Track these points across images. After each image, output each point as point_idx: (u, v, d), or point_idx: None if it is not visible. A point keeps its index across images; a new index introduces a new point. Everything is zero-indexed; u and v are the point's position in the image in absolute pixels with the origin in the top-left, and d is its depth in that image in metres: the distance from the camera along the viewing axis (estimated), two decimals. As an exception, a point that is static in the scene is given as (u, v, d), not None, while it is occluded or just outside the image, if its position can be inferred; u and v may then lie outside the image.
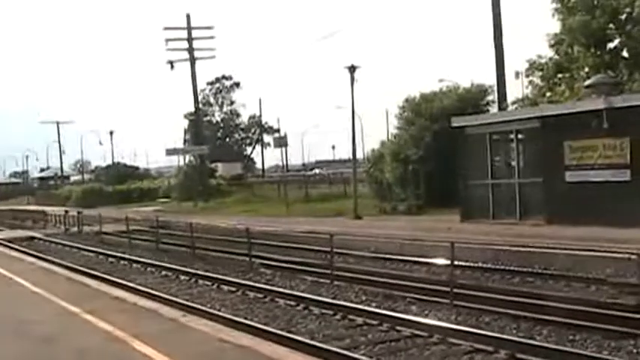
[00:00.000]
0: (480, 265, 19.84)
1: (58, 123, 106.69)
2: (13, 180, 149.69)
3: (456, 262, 16.76)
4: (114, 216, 43.59)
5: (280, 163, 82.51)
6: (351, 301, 16.01)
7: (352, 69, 38.59)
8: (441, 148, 34.06)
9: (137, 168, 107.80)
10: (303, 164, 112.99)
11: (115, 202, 69.49)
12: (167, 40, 65.61)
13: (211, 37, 66.51)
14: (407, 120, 40.54)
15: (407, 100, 41.29)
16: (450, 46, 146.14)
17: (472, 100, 38.63)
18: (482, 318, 14.07)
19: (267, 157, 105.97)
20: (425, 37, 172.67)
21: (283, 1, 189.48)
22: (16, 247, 32.79)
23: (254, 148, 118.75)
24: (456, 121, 31.04)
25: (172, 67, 66.08)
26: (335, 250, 20.80)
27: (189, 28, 65.54)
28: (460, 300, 15.19)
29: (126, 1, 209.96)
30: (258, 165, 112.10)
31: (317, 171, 74.76)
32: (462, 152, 30.67)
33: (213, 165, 78.67)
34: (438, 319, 13.99)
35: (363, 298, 16.77)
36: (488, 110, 38.22)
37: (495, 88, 39.38)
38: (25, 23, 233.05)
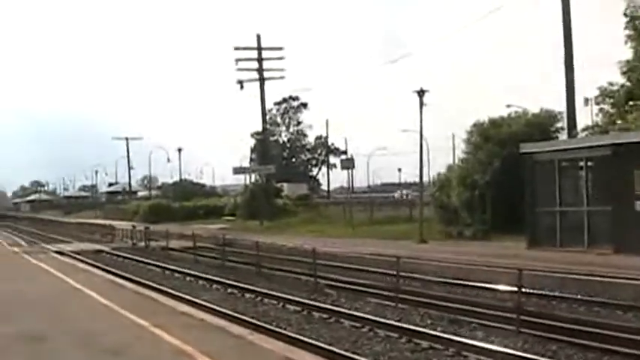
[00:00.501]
0: (547, 292, 19.62)
1: (127, 139, 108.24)
2: (82, 194, 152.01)
3: (522, 289, 16.63)
4: (180, 232, 44.01)
5: (345, 185, 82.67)
6: (417, 325, 15.93)
7: (421, 93, 38.55)
8: (509, 174, 33.77)
9: (203, 185, 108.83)
10: (369, 186, 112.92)
11: (180, 219, 70.12)
12: (237, 60, 66.10)
13: (281, 58, 66.91)
14: (475, 145, 40.30)
15: (475, 125, 41.07)
16: (519, 71, 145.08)
17: (541, 126, 38.26)
18: (549, 346, 13.92)
19: (332, 179, 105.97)
20: (493, 62, 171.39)
21: (354, 25, 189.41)
22: (84, 259, 33.30)
23: (320, 169, 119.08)
24: (525, 147, 30.81)
25: (242, 86, 66.51)
26: (400, 273, 20.77)
27: (259, 49, 65.98)
28: (526, 327, 15.06)
29: (197, 20, 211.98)
30: (324, 186, 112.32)
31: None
32: (530, 178, 30.43)
33: (279, 185, 79.05)
34: (504, 345, 13.85)
35: (429, 321, 16.69)
36: (557, 137, 37.81)
37: (565, 114, 38.88)
38: (100, 41, 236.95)
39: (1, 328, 14.02)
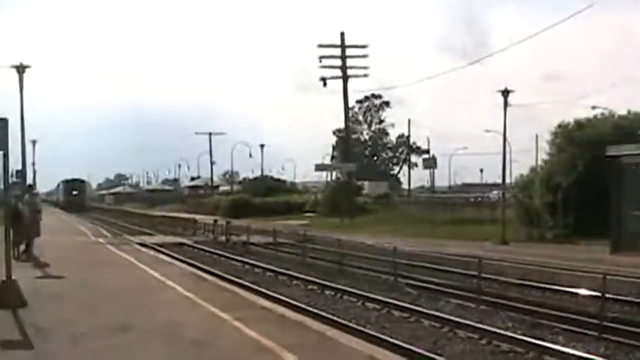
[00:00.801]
0: (632, 299, 19.28)
1: (210, 134, 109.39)
2: (165, 187, 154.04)
3: (606, 295, 16.42)
4: (260, 227, 44.36)
5: (426, 184, 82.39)
6: (497, 327, 15.84)
7: (506, 93, 38.20)
8: (593, 177, 33.31)
9: (285, 181, 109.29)
10: (450, 186, 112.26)
11: (261, 214, 70.58)
12: (321, 58, 66.29)
13: (365, 56, 66.88)
14: (559, 146, 39.82)
15: (559, 127, 40.56)
16: (604, 71, 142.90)
17: (628, 129, 37.59)
18: (633, 354, 13.74)
19: (413, 178, 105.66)
20: (577, 63, 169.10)
21: (436, 25, 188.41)
22: (167, 251, 33.77)
23: (401, 167, 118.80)
24: (612, 150, 30.32)
25: (325, 84, 66.67)
26: (481, 274, 20.67)
27: (343, 46, 66.04)
28: (609, 333, 14.88)
29: (282, 17, 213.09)
30: (404, 185, 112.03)
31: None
32: (616, 182, 29.93)
33: (359, 183, 79.07)
34: (585, 351, 13.70)
35: (509, 324, 16.59)
36: (645, 140, 37.14)
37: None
38: (186, 37, 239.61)
39: (89, 317, 14.40)
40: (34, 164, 69.72)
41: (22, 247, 27.08)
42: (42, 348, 11.80)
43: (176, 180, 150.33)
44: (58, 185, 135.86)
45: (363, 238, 37.51)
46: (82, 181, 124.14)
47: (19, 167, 39.31)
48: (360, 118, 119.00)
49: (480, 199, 70.30)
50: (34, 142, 69.05)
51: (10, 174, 18.45)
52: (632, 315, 17.73)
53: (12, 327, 13.49)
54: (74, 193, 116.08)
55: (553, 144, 40.73)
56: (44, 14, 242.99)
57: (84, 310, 15.26)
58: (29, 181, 47.40)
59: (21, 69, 34.51)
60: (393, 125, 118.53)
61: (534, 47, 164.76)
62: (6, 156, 15.62)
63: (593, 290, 18.55)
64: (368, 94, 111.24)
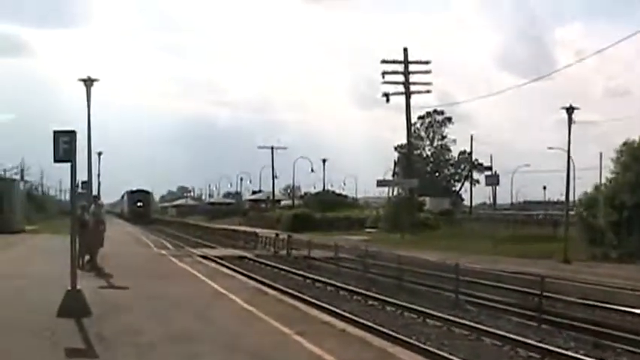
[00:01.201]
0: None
1: (272, 148, 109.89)
2: (227, 200, 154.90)
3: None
4: (321, 242, 44.40)
5: (488, 201, 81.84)
6: (559, 347, 15.69)
7: (570, 110, 37.84)
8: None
9: (346, 196, 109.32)
10: (512, 203, 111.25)
11: (322, 229, 70.67)
12: (384, 73, 66.38)
13: (427, 72, 66.83)
14: (624, 165, 39.35)
15: (625, 144, 40.11)
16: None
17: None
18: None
19: (475, 194, 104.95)
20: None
21: (500, 41, 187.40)
22: (228, 264, 33.99)
23: (462, 184, 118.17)
24: (678, 169, 29.92)
25: (388, 99, 66.76)
26: (543, 293, 20.49)
27: (405, 62, 66.08)
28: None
29: (346, 32, 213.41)
30: (466, 201, 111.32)
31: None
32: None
33: (421, 199, 78.81)
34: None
35: (572, 344, 16.43)
36: None
37: None
38: (249, 53, 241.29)
39: (152, 327, 14.57)
40: (99, 175, 70.40)
41: (87, 258, 27.47)
42: (106, 357, 11.99)
43: (238, 193, 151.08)
44: (123, 196, 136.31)
45: (425, 255, 37.35)
46: (147, 192, 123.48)
47: (85, 178, 39.85)
48: (422, 133, 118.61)
49: (540, 216, 69.62)
50: (99, 154, 69.81)
51: (76, 185, 18.75)
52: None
53: (77, 336, 13.71)
54: (139, 204, 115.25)
55: (618, 162, 40.25)
56: (113, 27, 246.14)
57: (147, 321, 15.44)
58: (94, 192, 48.00)
59: (89, 82, 35.13)
60: (455, 141, 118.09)
61: (600, 64, 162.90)
62: (74, 167, 15.89)
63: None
64: (430, 110, 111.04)
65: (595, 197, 41.30)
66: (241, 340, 13.41)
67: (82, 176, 38.32)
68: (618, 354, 15.39)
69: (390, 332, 16.77)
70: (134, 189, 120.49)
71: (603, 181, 45.64)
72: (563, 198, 46.49)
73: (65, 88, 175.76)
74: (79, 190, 35.51)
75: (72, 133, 15.82)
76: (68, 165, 15.86)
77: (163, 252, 39.82)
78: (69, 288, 16.03)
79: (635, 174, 37.07)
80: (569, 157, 40.36)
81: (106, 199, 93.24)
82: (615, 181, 40.04)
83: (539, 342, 16.14)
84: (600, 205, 39.17)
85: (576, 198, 49.39)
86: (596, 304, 22.11)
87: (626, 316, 20.34)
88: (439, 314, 19.95)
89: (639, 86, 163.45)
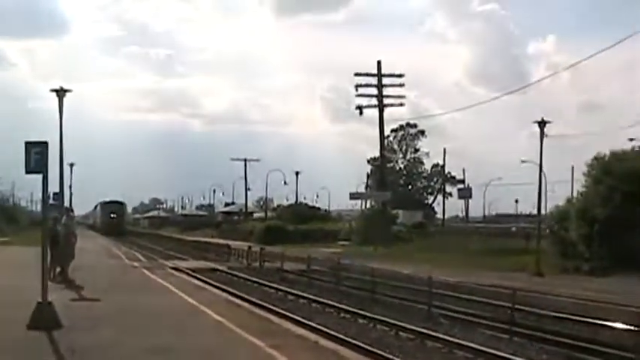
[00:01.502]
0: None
1: (246, 160, 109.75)
2: (199, 212, 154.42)
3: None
4: (294, 255, 44.31)
5: (460, 214, 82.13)
6: (532, 359, 15.72)
7: (542, 124, 38.07)
8: (631, 209, 33.11)
9: (319, 209, 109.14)
10: (484, 216, 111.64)
11: (295, 241, 70.51)
12: (357, 86, 66.56)
13: (401, 85, 67.04)
14: (595, 178, 39.62)
15: (596, 158, 40.40)
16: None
17: (665, 162, 37.37)
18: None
19: (447, 207, 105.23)
20: (617, 94, 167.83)
21: (471, 56, 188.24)
22: (201, 277, 33.86)
23: (435, 197, 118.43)
24: (649, 183, 30.14)
25: (361, 112, 66.91)
26: (515, 305, 20.55)
27: (379, 75, 66.25)
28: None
29: (319, 45, 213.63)
30: (439, 214, 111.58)
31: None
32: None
33: (394, 211, 78.90)
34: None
35: (544, 356, 16.48)
36: (682, 173, 36.82)
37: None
38: (221, 63, 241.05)
39: (124, 340, 14.46)
40: (70, 187, 70.02)
41: (58, 269, 27.27)
42: (77, 370, 11.89)
43: (210, 205, 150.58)
44: (96, 207, 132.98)
45: (397, 267, 37.38)
46: (121, 204, 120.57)
47: (57, 190, 39.62)
48: (396, 146, 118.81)
49: (514, 229, 69.87)
50: (71, 165, 69.48)
51: (48, 196, 18.62)
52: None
53: (47, 349, 13.59)
54: (112, 215, 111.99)
55: (589, 176, 40.52)
56: (87, 39, 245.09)
57: (119, 333, 15.32)
58: (66, 203, 47.73)
59: (61, 93, 34.94)
60: (428, 154, 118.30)
61: (573, 78, 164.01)
62: (45, 178, 15.78)
63: (630, 324, 18.38)
64: (403, 122, 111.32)
65: (567, 210, 41.54)
66: (216, 354, 13.38)
67: (53, 187, 38.16)
68: (590, 367, 15.44)
69: (363, 345, 16.73)
70: (107, 200, 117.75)
71: (575, 194, 45.99)
72: (535, 211, 46.71)
73: (38, 98, 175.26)
74: (51, 201, 35.27)
75: (44, 144, 15.71)
76: (40, 176, 15.75)
77: (135, 264, 39.62)
78: (40, 300, 15.90)
79: (607, 187, 37.30)
80: (541, 170, 40.65)
81: (78, 210, 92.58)
82: (587, 194, 40.29)
83: (512, 355, 16.17)
84: (572, 218, 39.38)
85: (548, 211, 49.68)
86: (568, 316, 22.18)
87: (598, 329, 20.42)
88: (412, 327, 19.95)
89: (612, 100, 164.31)
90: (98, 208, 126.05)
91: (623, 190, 35.81)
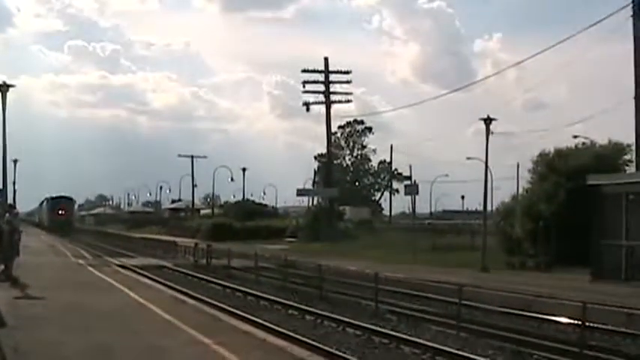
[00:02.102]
0: (611, 327, 19.32)
1: (192, 157, 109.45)
2: (146, 209, 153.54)
3: (587, 323, 16.47)
4: (241, 251, 44.24)
5: (407, 211, 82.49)
6: (478, 354, 15.82)
7: (488, 121, 38.34)
8: (575, 206, 33.49)
9: (266, 205, 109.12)
10: (431, 213, 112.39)
11: (242, 238, 70.40)
12: (304, 82, 66.60)
13: (348, 82, 67.24)
14: (540, 175, 40.06)
15: (540, 155, 40.86)
16: (585, 101, 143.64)
17: (608, 159, 37.84)
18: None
19: (394, 204, 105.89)
20: (559, 92, 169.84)
21: (421, 53, 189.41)
22: (147, 274, 33.69)
23: (382, 193, 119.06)
24: (592, 179, 30.52)
25: (308, 109, 67.14)
26: (462, 301, 20.67)
27: (326, 72, 66.38)
28: (590, 362, 14.92)
29: (266, 41, 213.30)
30: (386, 211, 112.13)
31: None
32: (596, 211, 30.11)
33: (341, 208, 79.10)
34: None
35: (490, 352, 16.59)
36: (625, 170, 37.33)
37: (633, 147, 38.14)
38: (166, 58, 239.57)
39: (69, 339, 14.29)
40: (14, 183, 69.21)
41: (1, 267, 26.93)
42: (21, 370, 11.75)
43: (157, 202, 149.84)
44: (42, 204, 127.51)
45: (344, 264, 37.49)
46: (70, 199, 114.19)
47: (0, 186, 39.07)
48: (343, 143, 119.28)
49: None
50: (15, 161, 68.64)
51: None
52: (613, 343, 17.81)
53: (-9, 348, 13.40)
54: (60, 212, 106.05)
55: (534, 172, 40.97)
56: (31, 33, 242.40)
57: (64, 332, 15.14)
58: (10, 200, 47.09)
59: (4, 88, 34.43)
60: (375, 151, 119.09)
61: (519, 76, 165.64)
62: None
63: (574, 318, 18.61)
64: (350, 119, 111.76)
65: (512, 207, 41.94)
66: (162, 353, 13.25)
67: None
68: (535, 361, 15.58)
69: (311, 341, 16.71)
70: (55, 195, 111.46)
71: (520, 191, 46.46)
72: (481, 207, 47.09)
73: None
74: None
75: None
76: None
77: (81, 261, 39.30)
78: (-18, 299, 15.70)
79: (551, 184, 37.73)
80: (486, 167, 40.95)
81: (22, 207, 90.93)
82: (532, 191, 40.73)
83: (459, 350, 16.26)
84: (517, 214, 39.76)
85: (494, 208, 50.11)
86: (514, 311, 22.40)
87: (543, 324, 20.66)
88: (359, 323, 19.95)
89: (556, 98, 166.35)
90: (44, 204, 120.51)
91: (567, 187, 36.23)
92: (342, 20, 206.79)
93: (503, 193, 66.80)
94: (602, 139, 41.35)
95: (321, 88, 66.38)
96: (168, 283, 29.82)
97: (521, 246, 38.73)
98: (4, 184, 39.26)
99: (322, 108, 66.89)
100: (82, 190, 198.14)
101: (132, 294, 23.16)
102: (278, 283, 31.51)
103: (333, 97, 66.62)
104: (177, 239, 61.89)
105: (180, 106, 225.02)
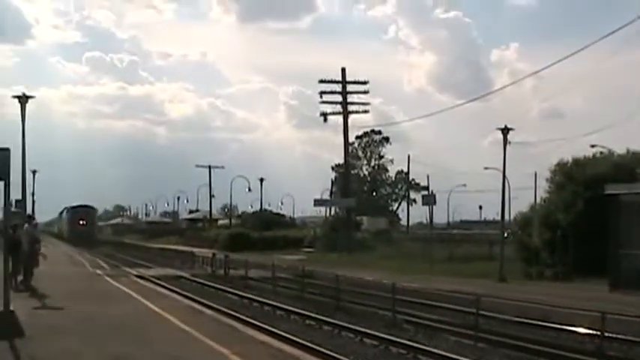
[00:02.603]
0: (630, 337, 19.20)
1: (210, 167, 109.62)
2: (164, 219, 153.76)
3: (605, 333, 16.40)
4: (259, 262, 44.27)
5: (424, 221, 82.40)
6: (496, 365, 15.79)
7: (505, 130, 38.22)
8: (593, 215, 33.35)
9: (283, 216, 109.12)
10: (448, 223, 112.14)
11: (260, 248, 70.47)
12: (321, 93, 66.62)
13: (365, 92, 67.20)
14: (558, 184, 39.92)
15: (558, 165, 40.72)
16: (603, 110, 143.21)
17: (627, 168, 37.67)
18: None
19: (411, 214, 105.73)
20: (575, 101, 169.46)
21: (440, 62, 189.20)
22: (165, 284, 33.75)
23: (400, 204, 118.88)
24: (611, 189, 30.38)
25: (325, 119, 67.08)
26: (480, 311, 20.61)
27: (343, 82, 66.35)
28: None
29: (284, 52, 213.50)
30: (403, 221, 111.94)
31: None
32: (614, 220, 29.97)
33: (358, 218, 78.99)
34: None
35: (507, 362, 16.55)
36: (644, 179, 37.12)
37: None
38: (181, 70, 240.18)
39: (87, 349, 14.35)
40: (33, 194, 69.59)
41: (20, 278, 27.06)
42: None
43: (175, 212, 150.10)
44: (61, 213, 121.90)
45: (362, 274, 37.43)
46: (92, 209, 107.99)
47: (19, 197, 39.27)
48: (360, 153, 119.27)
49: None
50: (34, 172, 69.01)
51: (10, 203, 18.45)
52: (631, 354, 17.70)
53: (8, 358, 13.45)
54: (81, 222, 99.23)
55: (552, 182, 40.82)
56: (50, 45, 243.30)
57: (82, 342, 15.20)
58: (29, 210, 47.33)
59: (23, 99, 34.58)
60: (392, 161, 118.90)
61: (536, 86, 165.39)
62: (7, 186, 15.65)
63: (592, 329, 18.53)
64: (368, 129, 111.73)
65: (530, 216, 41.81)
66: (178, 362, 13.28)
67: (15, 195, 37.80)
68: (553, 372, 15.51)
69: (328, 352, 16.71)
70: (76, 205, 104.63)
71: (538, 200, 46.31)
72: (499, 217, 46.97)
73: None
74: (13, 208, 34.99)
75: (6, 151, 15.59)
76: (1, 183, 15.63)
77: (99, 272, 39.42)
78: (1, 309, 15.76)
79: (569, 193, 37.59)
80: (504, 177, 40.87)
81: (40, 218, 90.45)
82: (549, 200, 40.58)
83: (476, 360, 16.22)
84: (535, 224, 39.62)
85: (512, 217, 49.98)
86: (531, 322, 22.31)
87: (561, 334, 20.56)
88: (376, 333, 19.93)
89: (574, 108, 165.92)
90: (65, 214, 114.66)
91: (585, 196, 36.09)
92: (359, 30, 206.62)
93: (520, 202, 66.68)
94: (620, 149, 41.23)
95: (339, 98, 66.32)
96: (186, 294, 29.86)
97: (539, 256, 38.56)
98: (23, 194, 39.49)
99: (339, 118, 66.85)
100: (99, 201, 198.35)
101: (149, 304, 23.22)
102: (295, 293, 31.49)
103: (350, 108, 66.55)
104: (195, 249, 61.97)
105: (197, 117, 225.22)
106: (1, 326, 15.52)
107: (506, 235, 43.02)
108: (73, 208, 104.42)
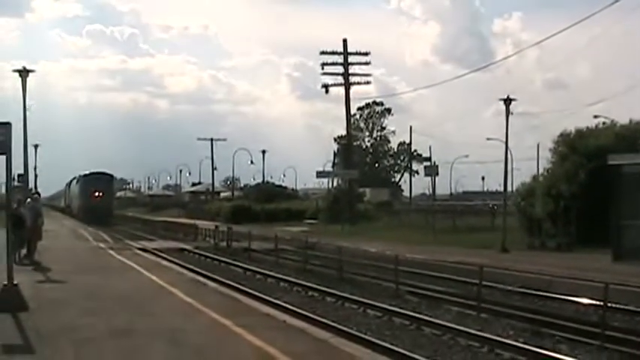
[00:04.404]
0: (633, 308, 19.23)
1: (212, 140, 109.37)
2: (166, 193, 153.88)
3: (608, 304, 16.42)
4: (261, 234, 44.32)
5: (427, 192, 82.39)
6: (499, 335, 15.82)
7: (508, 101, 38.09)
8: (595, 186, 33.27)
9: (285, 188, 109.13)
10: (451, 194, 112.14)
11: (262, 221, 70.50)
12: (323, 64, 66.34)
13: (367, 63, 66.94)
14: (560, 155, 39.81)
15: (561, 135, 40.59)
16: (607, 80, 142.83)
17: (630, 139, 37.53)
18: (635, 362, 13.72)
19: (414, 185, 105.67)
20: (579, 71, 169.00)
21: (442, 32, 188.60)
22: (168, 257, 33.84)
23: (402, 175, 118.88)
24: (613, 159, 30.28)
25: (327, 91, 66.80)
26: (482, 282, 20.64)
27: (345, 53, 66.06)
28: (612, 343, 14.86)
29: (286, 24, 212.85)
30: (405, 192, 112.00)
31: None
32: (617, 191, 29.89)
33: (361, 190, 78.96)
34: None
35: (511, 332, 16.57)
36: (646, 149, 37.03)
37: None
38: (183, 43, 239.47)
39: (91, 322, 14.37)
40: (35, 168, 69.63)
41: (24, 252, 27.11)
42: (43, 352, 11.81)
43: (177, 185, 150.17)
44: (70, 183, 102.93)
45: (365, 246, 37.46)
46: (110, 176, 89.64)
47: (21, 171, 39.29)
48: (362, 125, 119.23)
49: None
50: (36, 146, 69.02)
51: (12, 178, 18.44)
52: (634, 324, 17.73)
53: (13, 331, 13.50)
54: (97, 194, 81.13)
55: (555, 153, 40.71)
56: (50, 18, 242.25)
57: (85, 315, 15.22)
58: (31, 185, 47.38)
59: (24, 73, 34.57)
60: (394, 132, 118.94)
61: (539, 56, 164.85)
62: (9, 160, 15.61)
63: (595, 299, 18.55)
64: (370, 101, 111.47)
65: (532, 187, 41.71)
66: (182, 334, 13.28)
67: (17, 169, 37.83)
68: (557, 342, 15.53)
69: (331, 323, 16.77)
70: (88, 172, 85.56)
71: (541, 171, 46.21)
72: (501, 188, 46.96)
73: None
74: (15, 183, 35.02)
75: (7, 125, 15.55)
76: (3, 157, 15.60)
77: (102, 245, 39.46)
78: (5, 282, 15.79)
79: (572, 164, 37.49)
80: (507, 147, 40.74)
81: (43, 192, 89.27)
82: (552, 171, 40.48)
83: (479, 331, 16.25)
84: (538, 195, 39.56)
85: (514, 188, 49.90)
86: (534, 292, 22.34)
87: (563, 304, 20.61)
88: (379, 304, 20.01)
89: (577, 78, 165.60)
90: (74, 184, 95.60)
91: (588, 167, 36.00)
92: (361, 0, 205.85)
93: (523, 173, 66.51)
94: (623, 119, 41.10)
95: (340, 69, 66.03)
96: (189, 266, 29.95)
97: (542, 226, 38.51)
98: (25, 169, 39.49)
99: (341, 90, 66.59)
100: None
101: (153, 277, 23.26)
102: (298, 265, 31.57)
103: (352, 79, 66.28)
104: (198, 222, 62.02)
105: (199, 89, 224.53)
106: (5, 300, 15.55)
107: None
108: (85, 176, 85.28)
